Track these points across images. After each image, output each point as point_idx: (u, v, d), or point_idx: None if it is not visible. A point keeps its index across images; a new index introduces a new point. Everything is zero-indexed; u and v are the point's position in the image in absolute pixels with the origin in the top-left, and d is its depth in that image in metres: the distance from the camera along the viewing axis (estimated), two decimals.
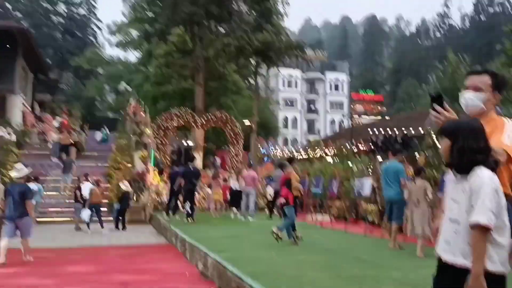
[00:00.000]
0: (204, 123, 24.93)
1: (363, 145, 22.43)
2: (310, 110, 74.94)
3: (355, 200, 12.49)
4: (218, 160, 29.88)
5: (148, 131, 21.25)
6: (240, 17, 26.98)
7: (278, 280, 5.28)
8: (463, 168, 2.23)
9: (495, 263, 2.11)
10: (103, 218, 13.98)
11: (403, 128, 17.42)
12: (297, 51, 25.56)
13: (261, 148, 31.35)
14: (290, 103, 72.30)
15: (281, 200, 8.70)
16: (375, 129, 21.58)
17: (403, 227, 8.20)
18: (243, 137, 25.38)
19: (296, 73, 70.82)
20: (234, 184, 16.38)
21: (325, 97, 75.37)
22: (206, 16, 27.11)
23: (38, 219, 14.46)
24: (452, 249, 2.21)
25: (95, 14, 68.36)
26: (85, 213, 13.33)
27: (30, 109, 28.98)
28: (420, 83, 69.76)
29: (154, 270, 7.75)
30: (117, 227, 14.08)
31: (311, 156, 25.24)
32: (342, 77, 77.41)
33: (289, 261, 6.72)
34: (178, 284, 6.77)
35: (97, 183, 14.34)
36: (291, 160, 11.05)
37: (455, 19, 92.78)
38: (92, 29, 67.99)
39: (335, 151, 23.36)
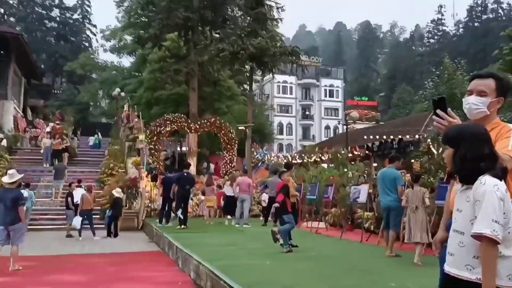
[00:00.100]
0: (198, 128, 24.77)
1: (358, 151, 22.35)
2: (305, 116, 74.97)
3: (351, 207, 12.34)
4: (212, 166, 29.76)
5: (142, 136, 21.06)
6: (235, 23, 26.91)
7: None
8: (467, 177, 2.09)
9: (502, 279, 1.97)
10: (95, 225, 13.77)
11: (399, 136, 17.36)
12: (292, 57, 25.48)
13: (256, 154, 31.20)
14: (285, 109, 72.31)
15: (276, 205, 8.50)
16: (370, 136, 21.51)
17: (400, 234, 8.07)
18: (238, 143, 25.23)
19: (291, 79, 70.85)
20: (228, 190, 16.17)
21: (320, 103, 75.45)
22: (200, 22, 27.04)
23: (28, 226, 14.21)
24: (457, 261, 2.07)
25: (89, 19, 68.27)
26: (77, 220, 13.10)
27: (22, 114, 28.71)
28: (414, 89, 70.09)
29: (146, 279, 7.56)
30: (109, 234, 13.86)
31: (306, 162, 25.10)
32: (337, 83, 77.56)
33: (284, 270, 6.56)
34: None
35: (88, 189, 14.12)
36: (288, 166, 10.86)
37: (449, 26, 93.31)
38: (86, 34, 67.86)
39: (330, 157, 23.26)
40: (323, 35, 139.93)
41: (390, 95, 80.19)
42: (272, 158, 32.81)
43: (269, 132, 43.28)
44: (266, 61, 24.85)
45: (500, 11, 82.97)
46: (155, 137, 23.44)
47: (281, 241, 8.70)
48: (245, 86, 34.92)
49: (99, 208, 16.17)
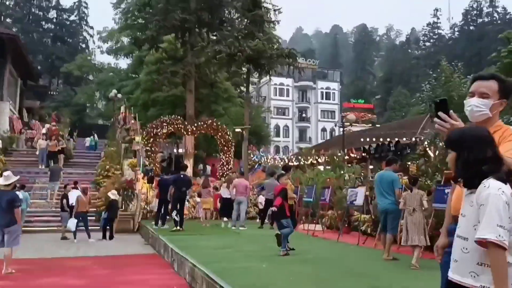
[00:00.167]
0: (195, 130, 24.70)
1: (355, 153, 22.34)
2: (301, 118, 75.03)
3: (347, 210, 12.29)
4: (208, 168, 29.67)
5: (138, 138, 20.96)
6: (232, 25, 26.87)
7: None
8: (470, 181, 2.04)
9: None
10: (90, 228, 13.67)
11: (396, 138, 17.34)
12: (289, 59, 25.45)
13: (252, 156, 31.14)
14: (282, 111, 72.35)
15: (273, 208, 8.41)
16: (367, 138, 21.50)
17: (397, 237, 8.03)
18: (234, 145, 25.18)
19: (288, 81, 70.98)
20: (224, 192, 16.09)
21: (317, 105, 75.52)
22: (197, 23, 26.98)
23: (23, 228, 14.09)
24: (460, 268, 2.01)
25: (86, 21, 68.13)
26: (71, 222, 12.99)
27: (18, 115, 28.56)
28: (410, 92, 70.25)
29: (140, 282, 7.49)
30: (104, 236, 13.76)
31: (302, 164, 25.07)
32: (334, 86, 77.72)
33: (281, 273, 6.49)
34: None
35: (84, 191, 14.02)
36: (287, 168, 10.78)
37: (445, 29, 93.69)
38: (83, 35, 67.71)
39: (327, 159, 23.25)
40: (319, 37, 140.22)
41: (386, 98, 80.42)
42: (268, 160, 32.75)
43: (266, 134, 43.24)
44: (263, 63, 24.81)
45: (495, 15, 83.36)
46: (151, 139, 23.38)
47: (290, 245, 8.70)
48: (242, 88, 34.84)
49: (95, 210, 16.09)
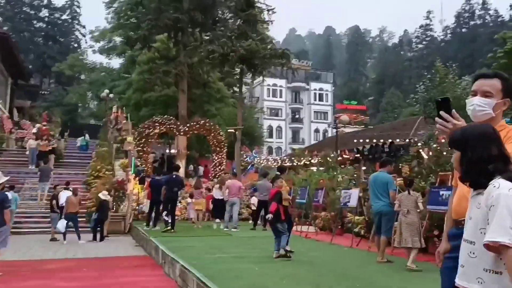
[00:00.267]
0: (187, 130, 24.53)
1: (348, 154, 22.29)
2: (294, 120, 75.02)
3: (341, 211, 12.20)
4: (201, 169, 29.51)
5: (130, 138, 20.76)
6: (225, 25, 26.73)
7: None
8: (476, 181, 1.92)
9: None
10: (80, 229, 13.48)
11: (389, 140, 17.30)
12: (282, 59, 25.35)
13: (245, 157, 31.00)
14: (275, 112, 72.30)
15: (269, 216, 8.13)
16: (360, 139, 21.46)
17: (391, 239, 7.94)
18: (227, 146, 25.04)
19: (281, 82, 70.94)
20: (217, 193, 15.94)
21: (310, 106, 75.55)
22: (190, 23, 26.80)
23: (12, 230, 13.87)
24: (467, 273, 1.89)
25: (78, 20, 67.71)
26: (61, 224, 12.79)
27: (8, 115, 28.21)
28: (403, 94, 70.51)
29: (130, 284, 7.34)
30: (94, 238, 13.56)
31: (295, 165, 24.98)
32: (327, 87, 77.81)
33: (273, 276, 6.37)
34: None
35: (74, 191, 13.82)
36: (282, 169, 10.62)
37: (437, 31, 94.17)
38: (75, 35, 67.26)
39: (320, 160, 23.17)
40: (313, 39, 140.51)
41: (379, 99, 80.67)
42: (261, 161, 32.63)
43: (259, 135, 43.14)
44: (256, 63, 24.70)
45: (487, 17, 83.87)
46: (143, 139, 23.18)
47: (289, 248, 8.58)
48: (235, 88, 34.73)
49: (85, 211, 15.89)
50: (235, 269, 6.89)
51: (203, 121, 24.95)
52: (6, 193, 10.35)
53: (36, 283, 7.51)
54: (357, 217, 11.36)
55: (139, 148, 22.62)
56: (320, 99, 76.67)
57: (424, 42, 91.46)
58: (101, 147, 23.97)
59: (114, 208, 16.29)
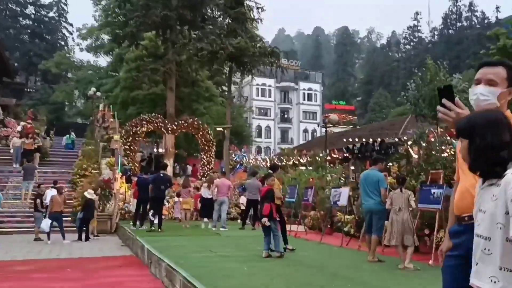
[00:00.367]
0: (175, 128, 24.27)
1: (337, 154, 22.22)
2: (283, 119, 75.00)
3: (330, 210, 12.09)
4: (189, 168, 29.25)
5: (117, 136, 20.45)
6: (214, 22, 26.51)
7: None
8: (487, 171, 1.76)
9: None
10: (66, 228, 13.19)
11: (378, 139, 17.25)
12: (272, 57, 25.21)
13: (234, 156, 30.83)
14: (264, 111, 72.20)
15: (264, 220, 7.88)
16: (350, 138, 21.41)
17: (382, 238, 7.83)
18: (216, 144, 24.83)
19: (270, 82, 70.87)
20: (205, 192, 15.74)
21: (299, 106, 75.61)
22: (179, 21, 26.53)
23: None
24: (481, 272, 1.72)
25: (65, 18, 66.95)
26: (45, 223, 12.49)
27: None
28: (391, 94, 70.93)
29: (115, 285, 7.13)
30: (80, 238, 13.28)
31: (285, 164, 24.86)
32: (315, 87, 77.91)
33: (262, 276, 6.21)
34: None
35: (59, 190, 13.52)
36: (274, 167, 10.44)
37: (425, 32, 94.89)
38: (62, 32, 66.52)
39: (309, 159, 23.09)
40: (301, 39, 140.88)
41: (367, 100, 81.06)
42: (250, 161, 32.48)
43: (248, 134, 42.99)
44: (245, 61, 24.52)
45: (474, 19, 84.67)
46: (130, 138, 22.88)
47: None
48: (224, 87, 34.52)
49: (71, 210, 15.60)
50: (223, 268, 6.73)
51: (191, 120, 24.71)
52: None
53: (18, 284, 7.26)
54: (347, 216, 11.25)
55: (126, 147, 22.33)
56: (309, 99, 76.75)
57: (412, 43, 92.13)
58: (88, 145, 23.61)
59: (101, 208, 16.01)
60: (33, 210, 14.16)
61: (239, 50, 23.21)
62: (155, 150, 31.50)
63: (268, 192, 8.06)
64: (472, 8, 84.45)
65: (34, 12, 64.89)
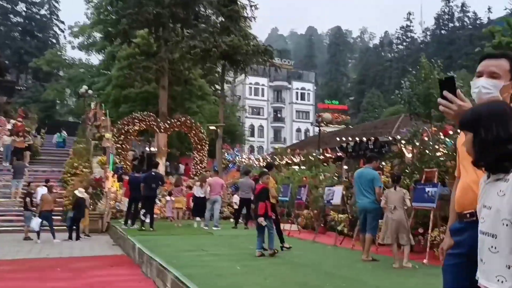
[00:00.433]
0: (168, 127, 24.10)
1: (330, 153, 22.19)
2: (276, 119, 74.95)
3: (324, 209, 12.02)
4: (182, 167, 29.10)
5: (108, 135, 20.27)
6: (207, 20, 26.37)
7: None
8: (494, 165, 1.68)
9: None
10: (56, 227, 13.01)
11: (372, 138, 17.23)
12: (265, 56, 25.12)
13: (226, 155, 30.72)
14: (257, 111, 72.09)
15: (260, 220, 7.77)
16: (343, 137, 21.39)
17: (376, 237, 7.77)
18: (208, 143, 24.71)
19: (263, 81, 70.78)
20: (198, 191, 15.61)
21: (292, 105, 75.61)
22: (171, 18, 26.36)
23: None
24: (487, 271, 1.64)
25: (57, 15, 66.36)
26: (35, 222, 12.31)
27: None
28: (383, 94, 71.12)
29: (106, 285, 7.00)
30: (70, 237, 13.11)
31: (278, 163, 24.78)
32: (308, 86, 77.93)
33: (255, 276, 6.13)
34: None
35: (49, 189, 13.34)
36: (269, 166, 10.34)
37: (417, 33, 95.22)
38: (54, 30, 65.97)
39: (302, 158, 23.04)
40: (294, 38, 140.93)
41: (359, 100, 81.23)
42: (243, 160, 32.38)
43: (240, 133, 42.88)
44: (238, 59, 24.42)
45: (466, 19, 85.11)
46: (122, 136, 22.70)
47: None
48: (217, 86, 34.40)
49: (62, 209, 15.42)
50: (216, 268, 6.64)
51: (184, 118, 24.57)
52: None
53: (7, 284, 7.11)
54: (340, 215, 11.19)
55: (118, 145, 22.15)
56: (302, 98, 76.75)
57: (404, 44, 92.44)
58: (79, 144, 23.39)
59: (92, 206, 15.83)
60: (22, 208, 13.97)
61: (232, 48, 23.11)
62: (147, 148, 31.30)
63: (263, 191, 7.96)
64: (464, 8, 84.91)
65: (25, 9, 64.26)
